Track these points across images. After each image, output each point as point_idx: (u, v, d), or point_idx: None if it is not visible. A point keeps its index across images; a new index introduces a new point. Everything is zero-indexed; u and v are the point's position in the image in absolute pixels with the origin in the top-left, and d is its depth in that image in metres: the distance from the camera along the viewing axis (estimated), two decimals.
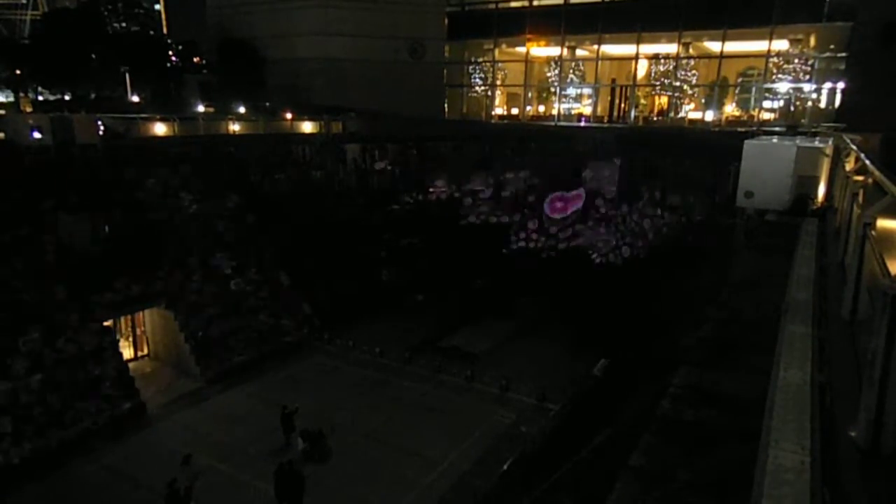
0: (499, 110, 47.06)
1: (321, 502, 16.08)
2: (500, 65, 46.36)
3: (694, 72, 40.75)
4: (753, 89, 39.66)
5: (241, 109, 37.46)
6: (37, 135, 22.22)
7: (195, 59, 44.48)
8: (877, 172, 7.76)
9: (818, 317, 6.77)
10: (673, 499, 3.86)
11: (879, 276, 4.50)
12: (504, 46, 45.34)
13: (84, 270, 21.54)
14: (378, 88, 40.31)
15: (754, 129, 29.01)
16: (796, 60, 36.29)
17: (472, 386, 22.89)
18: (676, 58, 39.14)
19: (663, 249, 27.42)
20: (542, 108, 46.82)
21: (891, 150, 13.59)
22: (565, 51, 42.49)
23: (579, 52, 44.20)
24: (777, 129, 27.14)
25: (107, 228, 22.61)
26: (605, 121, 42.20)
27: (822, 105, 36.09)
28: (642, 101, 43.68)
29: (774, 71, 36.80)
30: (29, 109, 35.82)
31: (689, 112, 41.58)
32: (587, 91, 44.81)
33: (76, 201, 22.08)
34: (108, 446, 18.76)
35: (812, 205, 14.21)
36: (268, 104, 38.58)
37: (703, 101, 41.53)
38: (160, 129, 27.33)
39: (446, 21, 44.03)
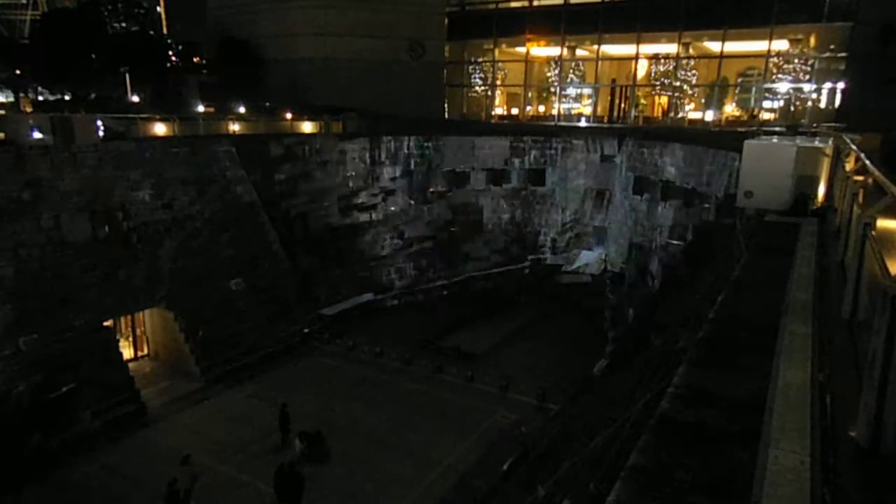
0: (499, 110, 47.08)
1: (321, 502, 16.09)
2: (500, 65, 46.39)
3: (694, 72, 40.76)
4: (753, 89, 39.68)
5: (241, 109, 37.44)
6: (37, 134, 22.20)
7: (195, 59, 44.43)
8: (877, 172, 7.76)
9: (818, 317, 6.78)
10: (673, 499, 3.85)
11: (879, 276, 4.50)
12: (504, 46, 45.35)
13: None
14: (378, 88, 40.33)
15: (754, 129, 29.01)
16: (796, 60, 36.31)
17: (472, 386, 22.88)
18: (676, 58, 39.15)
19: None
20: (542, 108, 46.83)
21: (891, 150, 13.60)
22: (565, 51, 42.51)
23: (579, 52, 44.23)
24: (777, 129, 27.12)
25: (107, 228, 22.59)
26: (605, 121, 42.22)
27: (822, 105, 36.09)
28: (642, 101, 43.69)
29: (774, 71, 36.82)
30: (29, 109, 35.77)
31: (690, 112, 41.60)
32: (587, 91, 44.84)
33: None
34: (108, 446, 18.77)
35: (812, 205, 14.19)
36: (268, 104, 38.55)
37: (703, 101, 41.55)
38: (160, 129, 27.31)
39: (446, 21, 44.04)
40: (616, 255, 35.98)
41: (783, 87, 37.29)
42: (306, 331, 27.02)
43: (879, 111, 24.77)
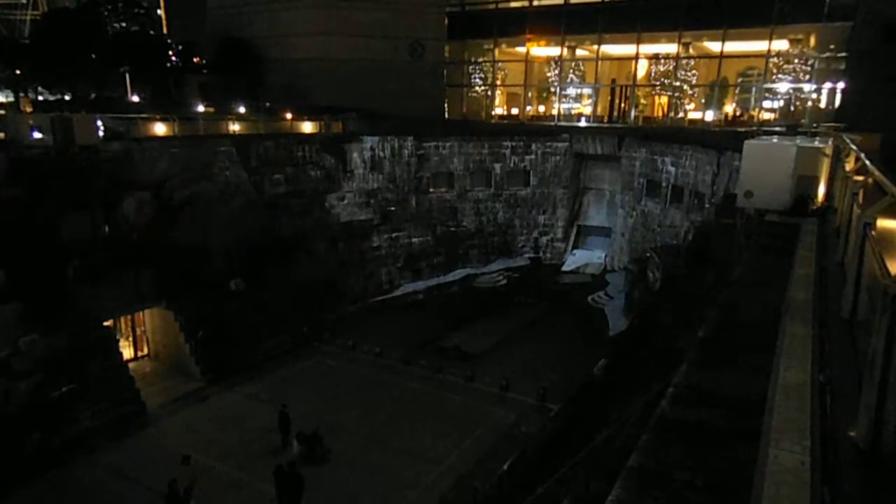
0: (499, 110, 47.09)
1: (321, 502, 16.08)
2: (500, 65, 46.39)
3: (694, 72, 40.75)
4: (753, 89, 39.67)
5: (241, 109, 37.42)
6: (37, 135, 22.21)
7: (195, 59, 44.36)
8: (877, 172, 7.75)
9: (818, 317, 6.77)
10: (673, 499, 3.85)
11: (879, 276, 4.50)
12: (504, 46, 45.36)
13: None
14: (378, 88, 40.30)
15: (754, 129, 29.01)
16: (796, 60, 36.28)
17: (472, 386, 22.89)
18: (676, 58, 39.15)
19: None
20: (542, 108, 46.84)
21: (891, 150, 13.59)
22: (565, 51, 42.52)
23: (579, 52, 44.22)
24: (777, 129, 27.13)
25: (107, 228, 22.58)
26: (605, 120, 42.23)
27: (822, 105, 36.08)
28: (642, 101, 43.70)
29: (774, 71, 36.81)
30: (29, 109, 35.69)
31: (690, 112, 41.59)
32: (587, 91, 44.83)
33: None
34: (108, 446, 18.77)
35: (812, 205, 14.17)
36: (268, 104, 38.53)
37: (703, 100, 41.54)
38: (160, 129, 27.31)
39: (446, 21, 44.02)
40: (616, 254, 36.02)
41: (783, 87, 37.28)
42: (306, 330, 27.01)
43: (880, 111, 24.75)
